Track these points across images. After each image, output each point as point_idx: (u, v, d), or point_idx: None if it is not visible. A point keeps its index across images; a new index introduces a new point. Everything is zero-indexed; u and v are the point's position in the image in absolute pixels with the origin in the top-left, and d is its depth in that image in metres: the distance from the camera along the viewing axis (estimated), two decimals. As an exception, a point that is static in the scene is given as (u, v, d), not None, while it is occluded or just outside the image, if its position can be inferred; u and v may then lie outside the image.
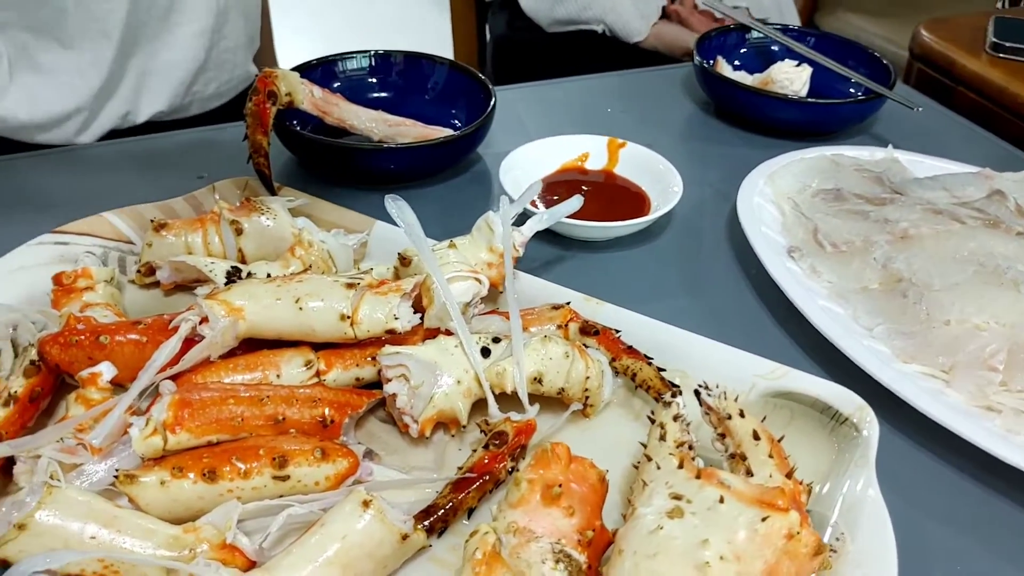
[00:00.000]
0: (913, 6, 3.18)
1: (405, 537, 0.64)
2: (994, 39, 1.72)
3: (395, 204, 0.83)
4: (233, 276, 0.86)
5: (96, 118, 1.37)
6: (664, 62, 1.89)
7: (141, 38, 1.33)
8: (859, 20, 3.11)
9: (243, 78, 1.60)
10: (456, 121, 1.23)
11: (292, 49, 1.87)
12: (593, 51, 1.96)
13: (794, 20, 2.04)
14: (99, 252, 0.91)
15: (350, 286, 0.78)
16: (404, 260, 0.87)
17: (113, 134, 1.39)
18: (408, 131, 1.15)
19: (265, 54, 1.78)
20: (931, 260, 0.97)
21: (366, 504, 0.63)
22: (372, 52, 1.26)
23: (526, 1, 1.99)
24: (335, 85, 1.22)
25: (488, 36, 2.33)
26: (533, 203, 0.90)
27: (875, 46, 3.12)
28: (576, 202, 0.93)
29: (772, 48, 1.46)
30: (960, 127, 1.42)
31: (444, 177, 1.17)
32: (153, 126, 1.43)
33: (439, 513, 0.68)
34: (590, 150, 1.16)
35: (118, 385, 0.74)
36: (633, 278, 1.02)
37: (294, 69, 1.15)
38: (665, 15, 1.92)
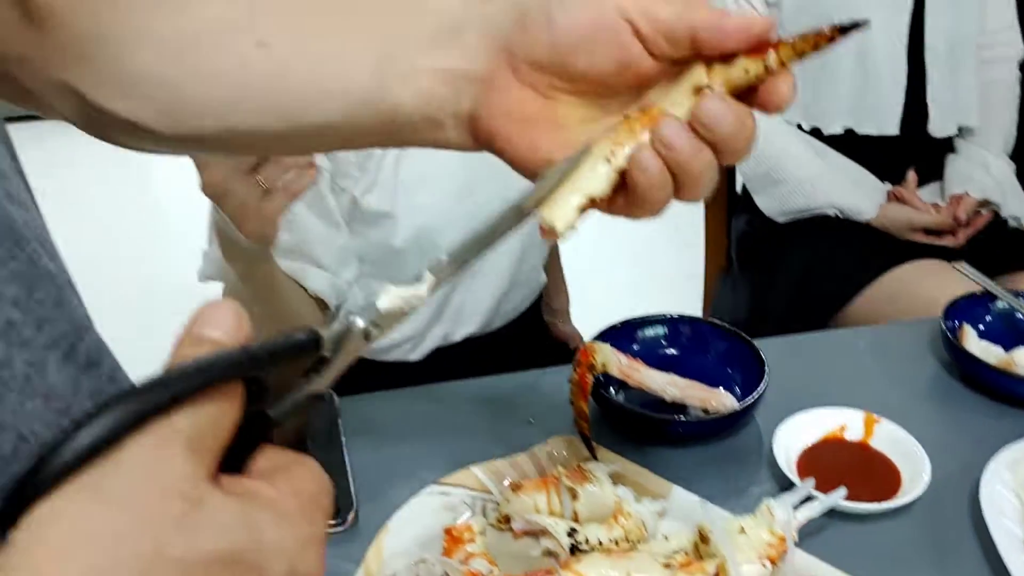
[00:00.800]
0: None
1: None
2: None
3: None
4: (572, 535, 1.14)
5: (424, 340, 1.74)
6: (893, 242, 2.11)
7: (461, 281, 1.69)
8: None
9: (536, 289, 1.94)
10: (734, 384, 1.48)
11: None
12: (824, 232, 2.20)
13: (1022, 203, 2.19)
14: (469, 501, 1.23)
15: (667, 565, 1.05)
16: (703, 537, 1.12)
17: (436, 351, 1.77)
18: (695, 394, 1.41)
19: (552, 260, 2.10)
20: None
21: None
22: (667, 318, 1.55)
23: (762, 201, 2.28)
24: (634, 348, 1.51)
25: (732, 235, 2.63)
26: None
27: None
28: (840, 494, 1.17)
29: (1018, 316, 1.62)
30: None
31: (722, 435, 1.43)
32: (468, 341, 1.79)
33: None
34: (848, 423, 1.38)
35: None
36: (881, 551, 1.22)
37: (600, 336, 1.45)
38: (889, 196, 2.16)
